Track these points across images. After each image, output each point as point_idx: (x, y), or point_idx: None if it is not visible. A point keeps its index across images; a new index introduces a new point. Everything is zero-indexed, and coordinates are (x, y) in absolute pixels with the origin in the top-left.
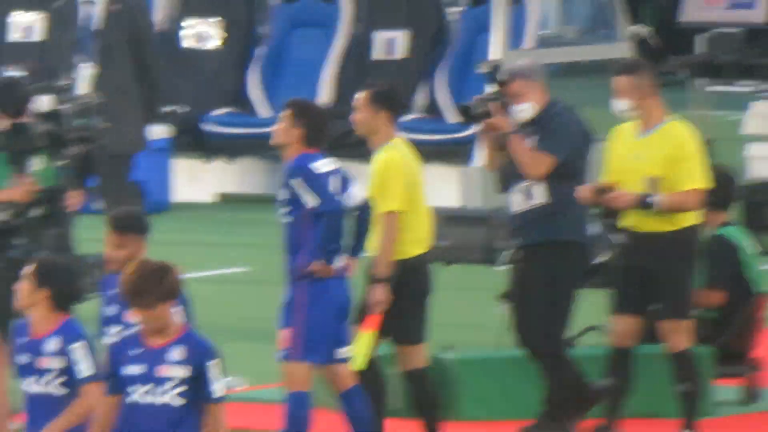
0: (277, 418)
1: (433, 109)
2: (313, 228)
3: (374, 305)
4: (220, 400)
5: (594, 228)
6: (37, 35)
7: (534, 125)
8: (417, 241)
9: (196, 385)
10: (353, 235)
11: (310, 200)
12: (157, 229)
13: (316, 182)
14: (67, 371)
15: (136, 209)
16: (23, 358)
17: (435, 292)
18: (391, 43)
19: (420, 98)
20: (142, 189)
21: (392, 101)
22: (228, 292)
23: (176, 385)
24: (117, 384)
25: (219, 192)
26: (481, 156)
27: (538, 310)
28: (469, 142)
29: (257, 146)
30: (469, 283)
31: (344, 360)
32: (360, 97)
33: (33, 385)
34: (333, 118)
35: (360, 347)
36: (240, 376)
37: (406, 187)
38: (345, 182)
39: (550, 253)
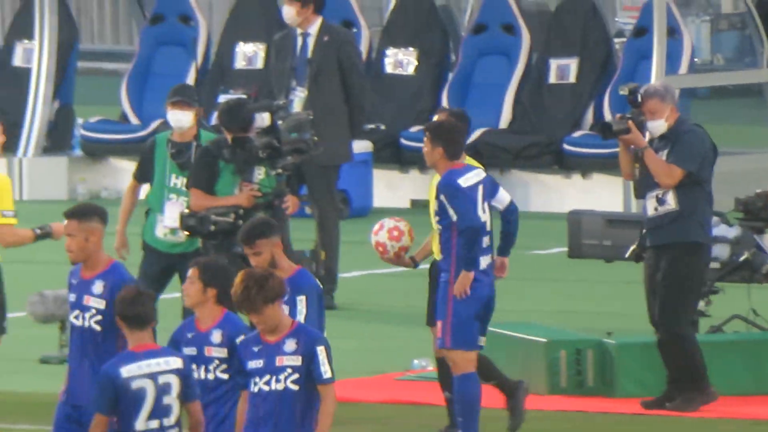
0: None
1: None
2: (456, 238)
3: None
4: (329, 381)
5: (735, 230)
6: (259, 63)
7: (666, 140)
8: None
9: (308, 371)
10: (502, 236)
11: (453, 215)
12: (361, 230)
13: (459, 198)
14: (227, 361)
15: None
16: (191, 350)
17: (597, 286)
18: (565, 69)
19: (588, 117)
20: (347, 196)
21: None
22: (417, 284)
23: (291, 374)
24: (246, 378)
25: (412, 198)
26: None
27: (669, 302)
28: None
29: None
30: (627, 278)
31: (480, 347)
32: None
33: (201, 374)
34: (514, 134)
35: None
36: (428, 358)
37: None
38: (493, 188)
39: (677, 253)
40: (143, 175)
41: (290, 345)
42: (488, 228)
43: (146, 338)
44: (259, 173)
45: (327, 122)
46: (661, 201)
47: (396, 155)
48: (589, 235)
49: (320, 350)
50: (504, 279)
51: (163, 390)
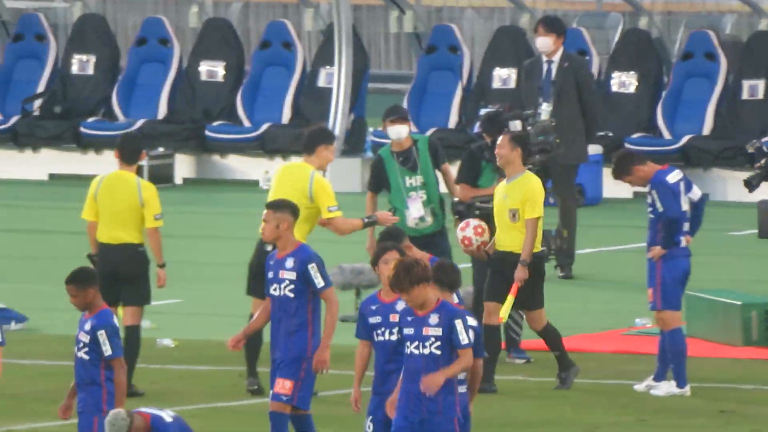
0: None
1: None
2: (658, 224)
3: (518, 279)
4: (466, 346)
5: None
6: (511, 84)
7: None
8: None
9: (449, 339)
10: (693, 220)
11: (660, 207)
12: (593, 216)
13: (666, 193)
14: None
15: None
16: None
17: None
18: (754, 88)
19: None
20: (583, 189)
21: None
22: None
23: (434, 341)
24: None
25: (634, 190)
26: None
27: None
28: None
29: (660, 159)
30: None
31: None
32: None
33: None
34: (714, 140)
35: (506, 306)
36: (647, 317)
37: None
38: (688, 184)
39: None
40: (377, 185)
41: (434, 319)
42: (687, 215)
43: None
44: None
45: (567, 131)
46: None
47: None
48: None
49: (457, 323)
50: (706, 255)
51: None
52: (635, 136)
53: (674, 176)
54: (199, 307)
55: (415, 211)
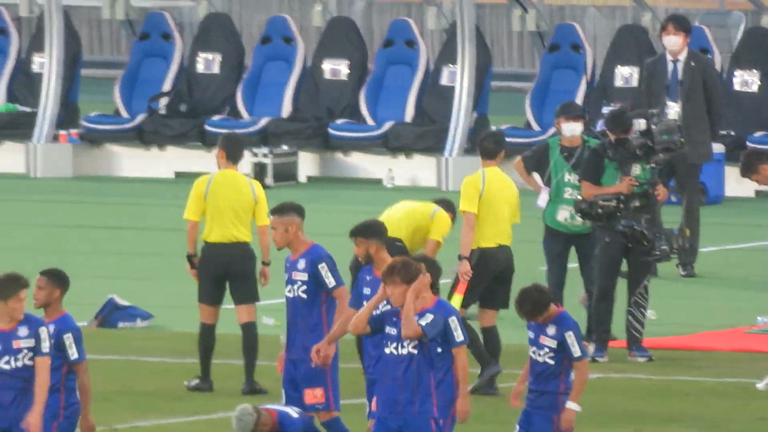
0: None
1: None
2: None
3: (461, 274)
4: (461, 344)
5: None
6: (633, 82)
7: None
8: (489, 237)
9: (444, 337)
10: None
11: None
12: (716, 214)
13: None
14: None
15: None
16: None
17: None
18: None
19: None
20: (705, 187)
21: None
22: (757, 258)
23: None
24: (375, 323)
25: (756, 189)
26: None
27: None
28: None
29: None
30: None
31: None
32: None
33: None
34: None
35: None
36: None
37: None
38: None
39: None
40: (533, 166)
41: (426, 318)
42: None
43: None
44: (636, 169)
45: (693, 129)
46: None
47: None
48: None
49: (450, 320)
50: None
51: None
52: (758, 134)
53: None
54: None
55: (541, 200)
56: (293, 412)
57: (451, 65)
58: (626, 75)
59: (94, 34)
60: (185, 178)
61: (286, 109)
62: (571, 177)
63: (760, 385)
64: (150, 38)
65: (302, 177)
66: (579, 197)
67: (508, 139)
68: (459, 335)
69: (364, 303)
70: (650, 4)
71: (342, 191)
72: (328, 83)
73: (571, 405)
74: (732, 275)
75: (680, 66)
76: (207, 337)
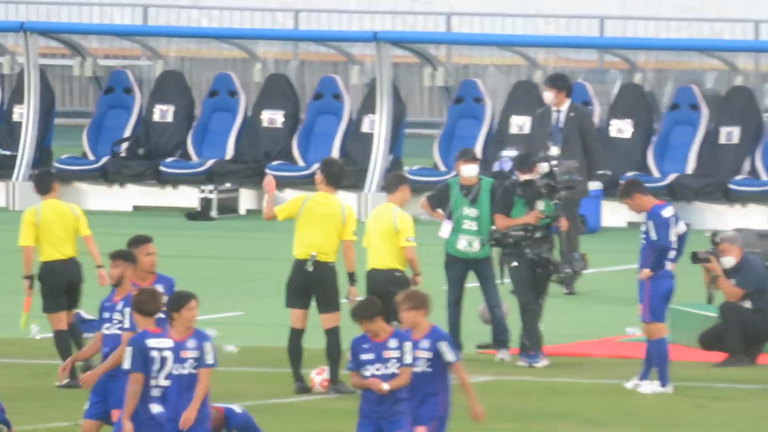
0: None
1: (754, 172)
2: (650, 250)
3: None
4: (454, 362)
5: None
6: (526, 130)
7: (734, 271)
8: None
9: (438, 359)
10: (677, 249)
11: (654, 236)
12: (593, 241)
13: (661, 225)
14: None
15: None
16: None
17: None
18: (730, 134)
19: (746, 166)
20: (585, 219)
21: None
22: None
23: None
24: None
25: (628, 221)
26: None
27: None
28: None
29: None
30: None
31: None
32: None
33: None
34: (696, 177)
35: None
36: (636, 327)
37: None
38: (677, 219)
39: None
40: (436, 203)
41: (423, 345)
42: (674, 245)
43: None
44: (540, 204)
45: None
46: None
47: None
48: (746, 246)
49: (443, 345)
50: (689, 274)
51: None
52: (630, 174)
53: (668, 211)
54: (258, 318)
55: (444, 231)
56: (237, 408)
57: (371, 115)
58: (520, 123)
59: (66, 89)
60: (142, 211)
61: (230, 152)
62: (469, 211)
63: (628, 385)
64: (114, 92)
65: (243, 210)
66: (492, 228)
67: (419, 178)
68: (450, 356)
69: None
70: (541, 63)
71: (275, 222)
72: (265, 130)
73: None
74: (607, 293)
75: (562, 116)
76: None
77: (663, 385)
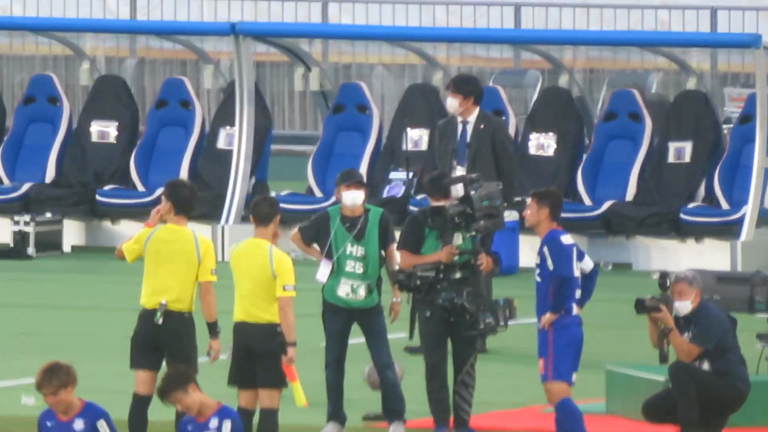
0: (593, 425)
1: (711, 198)
2: (548, 288)
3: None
4: None
5: None
6: (423, 146)
7: (689, 321)
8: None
9: None
10: (582, 291)
11: (551, 265)
12: (509, 285)
13: (560, 252)
14: None
15: None
16: None
17: None
18: (681, 151)
19: (701, 191)
20: (499, 257)
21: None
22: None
23: None
24: None
25: None
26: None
27: None
28: (737, 222)
29: (581, 226)
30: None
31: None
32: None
33: None
34: (638, 205)
35: (296, 391)
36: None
37: None
38: (580, 253)
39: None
40: (311, 237)
41: (78, 424)
42: (579, 282)
43: None
44: (458, 238)
45: None
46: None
47: None
48: (703, 291)
49: (100, 425)
50: (626, 328)
51: None
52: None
53: (568, 239)
54: (91, 383)
55: (321, 274)
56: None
57: (228, 127)
58: (416, 138)
59: None
60: None
61: (50, 174)
62: (353, 249)
63: None
64: None
65: (67, 246)
66: (396, 267)
67: (289, 206)
68: None
69: None
70: (442, 62)
71: (109, 262)
72: (95, 146)
73: None
74: (527, 350)
75: (469, 128)
76: None
77: None
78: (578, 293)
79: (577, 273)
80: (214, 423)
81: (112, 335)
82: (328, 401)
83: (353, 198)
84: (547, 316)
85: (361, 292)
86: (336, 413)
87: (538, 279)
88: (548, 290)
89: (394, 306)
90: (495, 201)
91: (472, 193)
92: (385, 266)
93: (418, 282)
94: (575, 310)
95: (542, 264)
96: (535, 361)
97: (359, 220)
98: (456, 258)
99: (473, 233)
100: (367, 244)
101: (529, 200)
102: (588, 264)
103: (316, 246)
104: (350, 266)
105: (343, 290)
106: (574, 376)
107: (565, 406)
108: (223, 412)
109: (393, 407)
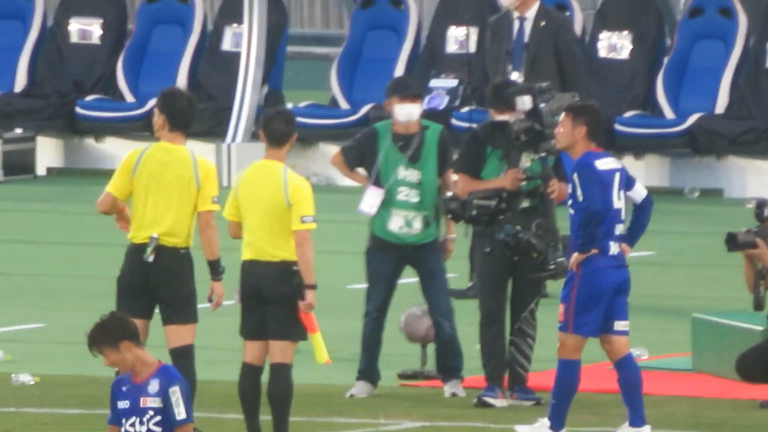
0: (676, 384)
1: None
2: (580, 220)
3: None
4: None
5: None
6: (471, 47)
7: None
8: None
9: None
10: (633, 225)
11: (580, 196)
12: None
13: (591, 180)
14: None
15: None
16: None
17: None
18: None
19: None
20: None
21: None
22: (636, 273)
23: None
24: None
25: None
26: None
27: None
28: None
29: (661, 145)
30: None
31: (619, 332)
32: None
33: None
34: (730, 120)
35: (316, 345)
36: (643, 347)
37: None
38: (629, 180)
39: None
40: (356, 160)
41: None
42: (622, 216)
43: None
44: (527, 160)
45: None
46: None
47: (610, 141)
48: None
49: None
50: (717, 268)
51: None
52: (628, 114)
53: (606, 163)
54: (67, 333)
55: (367, 204)
56: None
57: (235, 25)
58: (460, 37)
59: None
60: None
61: (20, 82)
62: (407, 173)
63: None
64: None
65: (41, 169)
66: (448, 194)
67: (309, 121)
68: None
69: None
70: None
71: (92, 187)
72: (75, 48)
73: None
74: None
75: (527, 26)
76: None
77: (555, 428)
78: (621, 229)
79: (618, 204)
80: (153, 387)
81: (93, 276)
82: (361, 356)
83: (408, 112)
84: (575, 257)
85: (417, 225)
86: (369, 371)
87: (571, 211)
88: (579, 225)
89: (446, 243)
90: None
91: (542, 105)
92: (440, 190)
93: (475, 212)
94: (614, 249)
95: (573, 193)
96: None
97: (414, 139)
98: (522, 184)
99: (543, 155)
100: (424, 168)
101: (562, 116)
102: (639, 192)
103: (361, 170)
104: (403, 194)
105: (396, 223)
106: (619, 324)
107: (566, 369)
108: (165, 373)
109: (450, 364)
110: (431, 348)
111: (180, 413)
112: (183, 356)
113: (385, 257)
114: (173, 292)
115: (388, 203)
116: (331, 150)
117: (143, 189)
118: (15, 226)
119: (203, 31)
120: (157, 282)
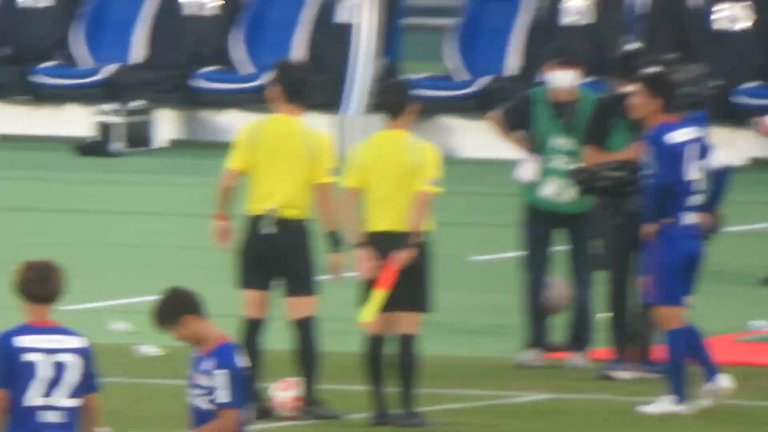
0: None
1: None
2: (651, 192)
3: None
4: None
5: None
6: (587, 17)
7: None
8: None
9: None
10: (712, 194)
11: (651, 168)
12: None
13: (663, 153)
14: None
15: None
16: None
17: None
18: None
19: None
20: None
21: None
22: (755, 244)
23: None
24: None
25: (750, 156)
26: None
27: None
28: None
29: None
30: None
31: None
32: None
33: None
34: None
35: (373, 301)
36: (765, 320)
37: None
38: (704, 149)
39: None
40: (514, 124)
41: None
42: (698, 187)
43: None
44: None
45: None
46: None
47: (730, 112)
48: None
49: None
50: None
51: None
52: (747, 85)
53: (682, 135)
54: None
55: (527, 172)
56: None
57: None
58: (579, 7)
59: None
60: (12, 142)
61: (138, 54)
62: (562, 141)
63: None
64: None
65: (159, 142)
66: (579, 165)
67: (428, 93)
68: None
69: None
70: None
71: (210, 160)
72: (191, 20)
73: None
74: (724, 266)
75: None
76: None
77: (678, 401)
78: (696, 199)
79: (694, 175)
80: (207, 365)
81: (214, 248)
82: (528, 326)
83: (563, 79)
84: (649, 227)
85: (571, 193)
86: (539, 338)
87: (645, 182)
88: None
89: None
90: (700, 87)
91: (672, 76)
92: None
93: (603, 184)
94: (688, 219)
95: (647, 165)
96: (736, 282)
97: (571, 106)
98: None
99: None
100: (579, 137)
101: (637, 87)
102: (716, 161)
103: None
104: (558, 162)
105: (550, 189)
106: (688, 299)
107: (673, 340)
108: (218, 354)
109: (579, 334)
110: (557, 321)
111: (221, 396)
112: (304, 328)
113: (537, 223)
114: (294, 265)
115: (542, 171)
116: (449, 122)
117: (261, 161)
118: (135, 198)
119: (319, 3)
120: (277, 254)
